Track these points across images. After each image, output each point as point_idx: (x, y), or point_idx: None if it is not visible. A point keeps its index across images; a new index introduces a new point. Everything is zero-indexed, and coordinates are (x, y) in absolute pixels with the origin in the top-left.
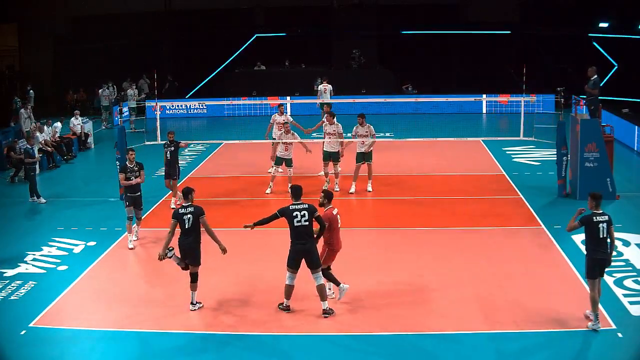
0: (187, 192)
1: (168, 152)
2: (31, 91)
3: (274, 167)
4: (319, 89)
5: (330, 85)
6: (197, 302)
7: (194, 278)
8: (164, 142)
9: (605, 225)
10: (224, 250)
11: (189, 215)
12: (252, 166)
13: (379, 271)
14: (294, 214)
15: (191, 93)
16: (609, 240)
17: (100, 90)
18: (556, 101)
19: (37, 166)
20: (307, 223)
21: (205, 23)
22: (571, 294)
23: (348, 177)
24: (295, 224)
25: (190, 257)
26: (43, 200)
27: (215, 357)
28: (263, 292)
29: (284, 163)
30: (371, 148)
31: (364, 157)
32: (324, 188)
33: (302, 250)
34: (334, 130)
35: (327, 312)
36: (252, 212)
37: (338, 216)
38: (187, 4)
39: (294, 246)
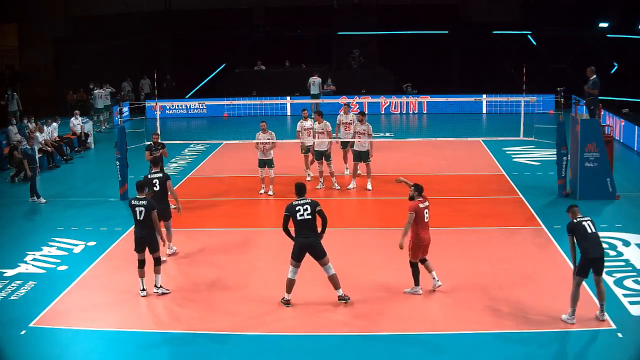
0: (142, 186)
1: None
2: (14, 94)
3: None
4: (308, 81)
5: (319, 79)
6: (161, 286)
7: (158, 262)
8: (148, 143)
9: (589, 222)
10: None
11: (141, 208)
12: (252, 166)
13: (379, 271)
14: (297, 209)
15: (191, 93)
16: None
17: (98, 92)
18: (556, 101)
19: (38, 166)
20: (309, 217)
21: (205, 23)
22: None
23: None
24: (299, 218)
25: (149, 246)
26: (43, 200)
27: (216, 357)
28: (262, 292)
29: (266, 166)
30: (368, 147)
31: (361, 156)
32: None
33: (306, 244)
34: (323, 130)
35: (343, 299)
36: (252, 212)
37: (426, 211)
38: (187, 4)
39: (297, 239)
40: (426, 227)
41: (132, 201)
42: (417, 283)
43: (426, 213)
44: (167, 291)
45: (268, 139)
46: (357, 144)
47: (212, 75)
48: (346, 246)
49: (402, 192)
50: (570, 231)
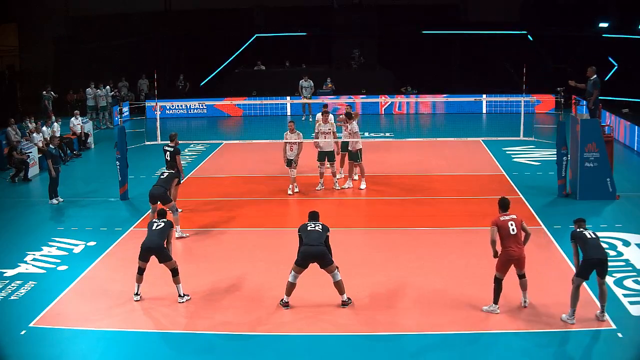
0: (163, 214)
1: (168, 153)
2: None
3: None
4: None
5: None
6: (184, 295)
7: (175, 272)
8: (164, 142)
9: (589, 232)
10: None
11: (160, 224)
12: (252, 166)
13: (378, 271)
14: (309, 228)
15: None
16: (601, 242)
17: (88, 90)
18: (556, 101)
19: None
20: (319, 229)
21: (205, 23)
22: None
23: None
24: (309, 229)
25: (159, 257)
26: (55, 202)
27: (217, 357)
28: (263, 292)
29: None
30: (360, 147)
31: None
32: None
33: (311, 253)
34: (329, 130)
35: (346, 303)
36: (252, 212)
37: (511, 223)
38: (187, 4)
39: (304, 247)
40: (513, 242)
41: (152, 219)
42: (495, 301)
43: (511, 226)
44: (189, 297)
45: (295, 139)
46: (350, 143)
47: (212, 75)
48: (344, 246)
49: (401, 192)
50: (572, 239)
